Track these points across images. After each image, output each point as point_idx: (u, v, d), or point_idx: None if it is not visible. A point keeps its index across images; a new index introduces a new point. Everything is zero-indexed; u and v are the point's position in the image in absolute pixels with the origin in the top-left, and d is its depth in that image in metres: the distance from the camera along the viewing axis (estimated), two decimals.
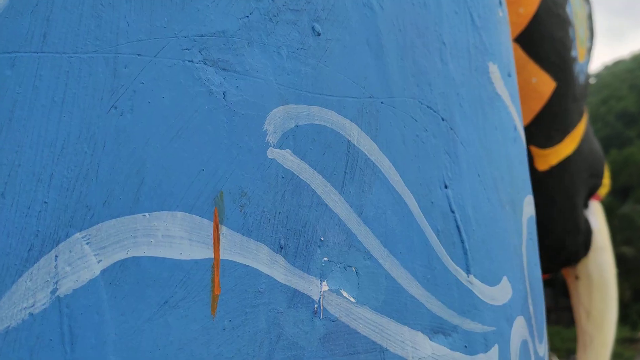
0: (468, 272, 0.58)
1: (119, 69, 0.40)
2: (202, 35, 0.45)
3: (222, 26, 0.46)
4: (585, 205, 2.13)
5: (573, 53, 1.75)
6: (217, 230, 0.40)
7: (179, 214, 0.39)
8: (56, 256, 0.35)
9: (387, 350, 0.48)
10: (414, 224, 0.54)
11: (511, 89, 0.78)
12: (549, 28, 1.62)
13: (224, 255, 0.40)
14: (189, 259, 0.39)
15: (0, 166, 0.34)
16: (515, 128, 0.76)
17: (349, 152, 0.51)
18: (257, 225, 0.43)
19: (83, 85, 0.38)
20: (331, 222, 0.47)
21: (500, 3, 0.81)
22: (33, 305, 0.34)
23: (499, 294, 0.61)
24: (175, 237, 0.38)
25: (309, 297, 0.44)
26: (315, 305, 0.44)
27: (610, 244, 2.24)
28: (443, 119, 0.62)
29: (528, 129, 1.65)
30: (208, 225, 0.40)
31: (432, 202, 0.57)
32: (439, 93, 0.63)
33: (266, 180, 0.44)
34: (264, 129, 0.46)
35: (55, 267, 0.35)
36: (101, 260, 0.36)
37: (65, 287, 0.35)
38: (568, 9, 1.72)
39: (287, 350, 0.42)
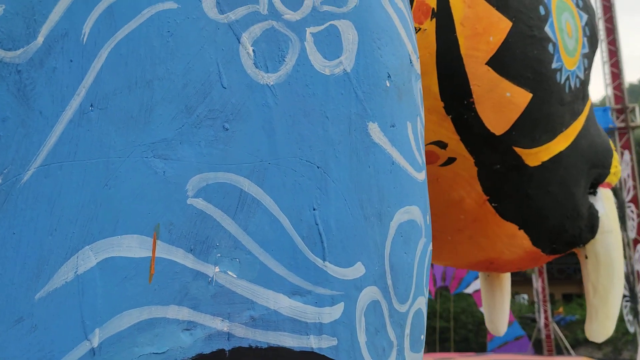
0: (324, 259, 0.99)
1: (110, 170, 0.85)
2: (153, 142, 0.89)
3: (165, 135, 0.90)
4: (594, 193, 2.40)
5: (555, 65, 2.03)
6: (154, 242, 0.85)
7: (136, 235, 0.84)
8: (88, 253, 0.81)
9: (255, 302, 0.91)
10: (284, 233, 0.96)
11: (395, 134, 1.16)
12: (522, 49, 1.92)
13: (157, 254, 0.84)
14: (140, 256, 0.83)
15: None
16: (393, 163, 1.14)
17: (240, 195, 0.93)
18: (178, 239, 0.87)
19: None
20: (224, 235, 0.90)
21: (389, 75, 1.19)
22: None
23: (351, 272, 1.01)
24: (133, 247, 0.83)
25: (206, 275, 0.88)
26: (209, 279, 0.88)
27: (617, 227, 2.49)
28: (318, 167, 1.02)
29: (510, 134, 1.98)
30: (150, 240, 0.84)
31: (301, 219, 0.98)
32: (318, 151, 1.03)
33: (186, 216, 0.88)
34: (186, 188, 0.89)
35: (77, 257, 0.81)
36: (97, 258, 0.81)
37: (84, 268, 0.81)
38: (548, 28, 2.00)
39: (190, 300, 0.86)
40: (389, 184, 1.12)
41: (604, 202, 2.50)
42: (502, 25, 1.88)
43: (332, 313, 0.98)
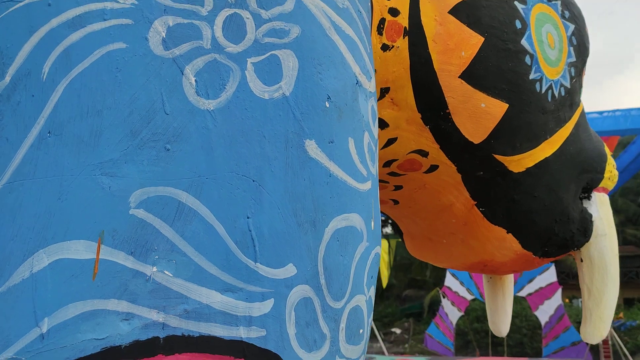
0: (255, 261, 1.13)
1: (63, 186, 1.02)
2: (101, 162, 1.05)
3: (112, 156, 1.06)
4: (588, 197, 2.46)
5: (533, 76, 2.12)
6: (99, 246, 1.01)
7: (83, 240, 1.00)
8: (41, 255, 0.98)
9: (189, 297, 1.06)
10: (218, 238, 1.11)
11: (333, 149, 1.30)
12: (495, 62, 2.02)
13: (101, 257, 1.01)
14: (86, 258, 1.00)
15: None
16: (330, 175, 1.28)
17: (178, 206, 1.09)
18: (120, 243, 1.03)
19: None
20: (162, 240, 1.06)
21: (329, 97, 1.32)
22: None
23: (282, 273, 1.15)
24: (80, 250, 1.00)
25: (144, 274, 1.04)
26: (147, 277, 1.04)
27: (613, 231, 2.54)
28: (254, 181, 1.17)
29: (488, 142, 2.08)
30: (95, 244, 1.01)
31: (235, 227, 1.13)
32: (253, 166, 1.18)
33: (128, 224, 1.04)
34: (129, 200, 1.06)
35: (33, 259, 0.98)
36: (49, 260, 0.98)
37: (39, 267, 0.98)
38: (525, 41, 2.10)
39: (129, 295, 1.02)
40: (324, 194, 1.26)
41: (599, 206, 2.55)
42: (473, 41, 1.98)
43: (262, 308, 1.12)
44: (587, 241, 2.52)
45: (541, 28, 2.21)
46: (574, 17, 2.40)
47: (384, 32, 1.91)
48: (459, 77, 1.98)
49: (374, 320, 19.29)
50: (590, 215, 2.51)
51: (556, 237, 2.41)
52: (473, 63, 1.99)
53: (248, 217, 1.15)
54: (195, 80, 1.16)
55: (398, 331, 24.21)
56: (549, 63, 2.22)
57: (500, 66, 2.04)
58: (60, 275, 0.98)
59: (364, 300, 1.34)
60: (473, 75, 2.00)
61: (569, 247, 2.49)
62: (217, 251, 1.10)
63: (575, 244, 2.50)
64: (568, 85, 2.34)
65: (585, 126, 2.50)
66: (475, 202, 2.32)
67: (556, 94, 2.27)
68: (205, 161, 1.13)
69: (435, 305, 21.65)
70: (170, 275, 1.05)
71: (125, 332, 1.00)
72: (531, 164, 2.27)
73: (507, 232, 2.35)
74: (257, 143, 1.19)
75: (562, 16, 2.35)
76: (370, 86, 1.52)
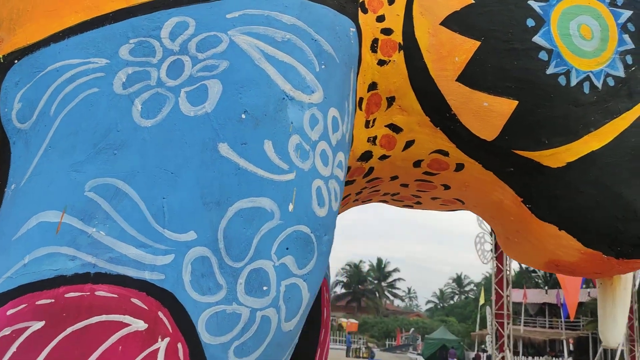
0: (164, 227, 1.64)
1: (52, 180, 1.69)
2: (72, 164, 1.69)
3: (80, 159, 1.68)
4: None
5: (554, 70, 2.17)
6: (62, 215, 1.65)
7: (55, 211, 1.65)
8: (33, 219, 1.66)
9: (113, 249, 1.60)
10: (140, 211, 1.64)
11: (245, 149, 1.72)
12: (495, 63, 2.15)
13: (63, 220, 1.64)
14: (54, 221, 1.65)
15: None
16: (238, 168, 1.71)
17: (116, 190, 1.66)
18: (75, 213, 1.64)
19: None
20: (101, 212, 1.64)
21: (246, 111, 1.75)
22: None
23: (184, 237, 1.63)
24: (52, 216, 1.65)
25: (87, 232, 1.63)
26: (88, 234, 1.63)
27: None
28: (172, 173, 1.68)
29: (503, 139, 2.20)
30: (60, 213, 1.65)
31: (153, 204, 1.65)
32: (174, 163, 1.69)
33: (82, 202, 1.66)
34: (85, 187, 1.67)
35: (29, 221, 1.65)
36: (37, 221, 1.65)
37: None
38: (539, 37, 2.17)
39: (76, 245, 1.62)
40: (232, 182, 1.71)
41: None
42: (467, 46, 2.13)
43: (164, 260, 1.62)
44: None
45: (569, 22, 2.21)
46: (632, 2, 2.29)
47: (378, 49, 2.21)
48: (455, 80, 2.16)
49: None
50: None
51: (622, 236, 2.29)
52: (468, 66, 2.14)
53: (164, 198, 1.67)
54: (141, 107, 1.74)
55: None
56: (580, 55, 2.20)
57: (502, 66, 2.14)
58: (40, 231, 1.64)
59: (271, 265, 1.72)
60: (470, 77, 2.15)
61: None
62: (137, 220, 1.65)
63: None
64: (621, 74, 2.25)
65: None
66: (522, 199, 2.37)
67: (598, 84, 2.21)
68: (139, 161, 1.69)
69: None
70: (104, 234, 1.63)
71: (70, 267, 1.61)
72: (572, 159, 2.24)
73: (560, 229, 2.33)
74: (179, 147, 1.71)
75: (612, 4, 2.27)
76: (312, 98, 1.89)
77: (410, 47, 2.19)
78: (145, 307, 1.59)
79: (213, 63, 1.79)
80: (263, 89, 1.81)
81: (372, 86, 2.25)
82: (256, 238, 1.71)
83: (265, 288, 1.71)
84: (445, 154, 2.32)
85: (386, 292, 63.29)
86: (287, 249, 1.76)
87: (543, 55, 2.16)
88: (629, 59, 2.27)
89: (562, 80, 2.17)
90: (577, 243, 2.34)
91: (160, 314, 1.59)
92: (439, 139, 2.28)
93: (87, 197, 1.66)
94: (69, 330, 1.54)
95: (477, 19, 2.16)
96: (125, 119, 1.73)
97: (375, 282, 62.73)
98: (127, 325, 1.56)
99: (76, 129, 1.73)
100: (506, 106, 2.16)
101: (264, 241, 1.72)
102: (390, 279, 63.24)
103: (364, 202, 2.80)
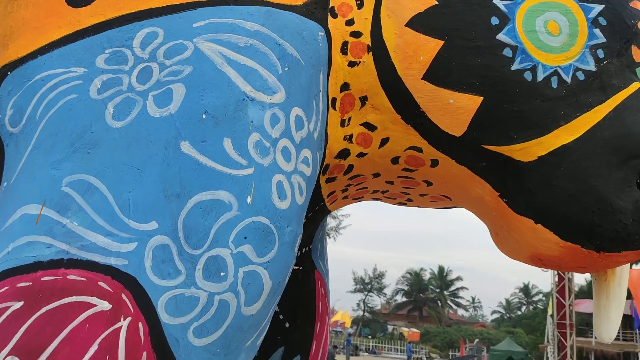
0: (129, 218, 1.80)
1: (34, 176, 1.90)
2: (52, 162, 1.89)
3: (58, 158, 1.88)
4: None
5: (519, 66, 2.23)
6: (42, 207, 1.85)
7: (35, 204, 1.85)
8: (18, 211, 1.86)
9: (84, 238, 1.78)
10: (108, 204, 1.82)
11: (205, 147, 1.87)
12: (459, 61, 2.23)
13: (42, 213, 1.84)
14: (35, 213, 1.84)
15: None
16: (198, 164, 1.86)
17: (88, 185, 1.85)
18: (52, 205, 1.84)
19: None
20: (75, 204, 1.83)
21: (207, 111, 1.90)
22: None
23: (147, 226, 1.79)
24: (33, 209, 1.85)
25: (62, 223, 1.80)
26: (63, 225, 1.81)
27: None
28: (138, 169, 1.85)
29: (471, 134, 2.28)
30: (40, 206, 1.85)
31: (121, 197, 1.83)
32: (139, 160, 1.85)
33: (59, 196, 1.85)
34: (62, 182, 1.86)
35: (15, 213, 1.86)
36: (20, 213, 1.86)
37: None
38: (503, 35, 2.24)
39: (53, 234, 1.81)
40: (192, 177, 1.86)
41: None
42: (430, 45, 2.21)
43: (128, 247, 1.79)
44: None
45: (535, 18, 2.25)
46: None
47: (348, 51, 2.33)
48: (421, 78, 2.24)
49: None
50: None
51: (600, 229, 2.31)
52: (433, 65, 2.23)
53: (130, 192, 1.84)
54: (113, 110, 1.93)
55: None
56: (547, 50, 2.24)
57: (466, 63, 2.21)
58: (22, 222, 1.85)
59: (229, 253, 1.86)
60: (435, 75, 2.23)
61: (629, 241, 2.33)
62: (106, 212, 1.82)
63: (637, 237, 2.32)
64: (591, 68, 2.27)
65: (627, 112, 2.32)
66: (499, 194, 2.42)
67: (567, 79, 2.25)
68: (109, 159, 1.88)
69: None
70: (76, 224, 1.82)
71: (46, 254, 1.80)
72: (543, 152, 2.28)
73: (536, 223, 2.36)
74: (145, 145, 1.89)
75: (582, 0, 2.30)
76: (273, 99, 2.03)
77: (379, 48, 2.30)
78: (110, 290, 1.75)
79: (178, 68, 1.96)
80: (223, 90, 1.96)
81: (345, 87, 2.36)
82: (214, 228, 1.85)
83: (222, 274, 1.85)
84: (420, 150, 2.40)
85: (449, 301, 62.35)
86: (245, 238, 1.90)
87: (507, 52, 2.22)
88: (601, 53, 2.29)
89: (527, 75, 2.22)
90: (554, 236, 2.36)
91: (123, 295, 1.76)
92: (411, 136, 2.37)
93: (64, 192, 1.85)
94: (44, 309, 1.72)
95: (441, 19, 2.24)
96: (98, 121, 1.91)
97: (437, 290, 61.89)
98: (94, 305, 1.73)
99: (56, 131, 1.93)
100: (471, 102, 2.22)
101: (222, 231, 1.87)
102: (452, 288, 62.27)
103: (355, 199, 2.90)
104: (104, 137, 1.90)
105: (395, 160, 2.50)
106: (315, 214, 2.74)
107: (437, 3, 2.27)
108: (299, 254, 2.89)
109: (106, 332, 1.72)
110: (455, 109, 2.25)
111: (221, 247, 1.86)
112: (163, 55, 1.98)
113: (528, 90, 2.23)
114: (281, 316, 2.84)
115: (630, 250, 2.36)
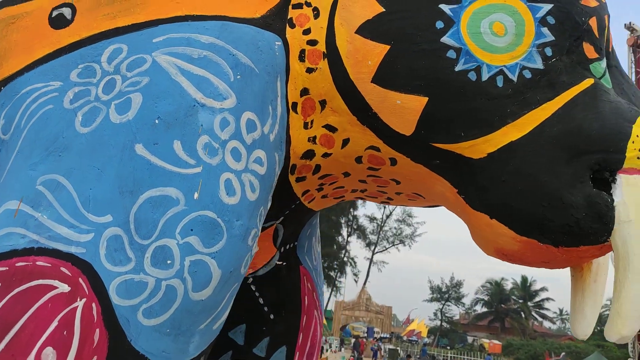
0: (88, 212, 2.05)
1: (18, 177, 2.19)
2: (30, 164, 2.17)
3: (35, 161, 2.16)
4: (611, 180, 2.40)
5: (463, 67, 2.34)
6: (20, 203, 2.13)
7: (15, 200, 2.14)
8: (1, 207, 2.16)
9: (52, 229, 2.03)
10: (73, 200, 2.08)
11: (157, 148, 2.10)
12: (405, 64, 2.36)
13: (19, 208, 2.13)
14: (13, 208, 2.13)
15: None
16: (150, 164, 2.09)
17: (57, 184, 2.11)
18: (28, 201, 2.12)
19: None
20: (46, 200, 2.10)
21: (159, 117, 2.13)
22: None
23: (103, 219, 2.04)
24: (12, 204, 2.14)
25: (34, 217, 2.08)
26: (35, 218, 2.09)
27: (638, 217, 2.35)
28: (99, 169, 2.11)
29: (419, 133, 2.40)
30: (17, 202, 2.14)
31: (83, 193, 2.08)
32: (101, 161, 2.11)
33: (34, 193, 2.13)
34: (37, 182, 2.14)
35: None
36: (2, 209, 2.16)
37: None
38: (448, 37, 2.35)
39: (26, 226, 2.09)
40: (144, 175, 2.10)
41: (624, 189, 2.30)
42: (377, 50, 2.34)
43: (86, 237, 2.05)
44: (606, 228, 2.33)
45: (480, 20, 2.34)
46: None
47: (305, 59, 2.50)
48: (371, 82, 2.39)
49: None
50: (607, 200, 2.31)
51: (552, 223, 2.35)
52: (380, 68, 2.36)
53: (90, 189, 2.10)
54: (81, 118, 2.20)
55: None
56: (491, 51, 2.32)
57: (411, 66, 2.33)
58: (4, 216, 2.14)
59: (175, 243, 2.07)
60: (382, 78, 2.36)
61: (582, 235, 2.35)
62: (70, 207, 2.09)
63: (590, 232, 2.34)
64: (539, 66, 2.33)
65: (592, 104, 2.35)
66: (457, 190, 2.51)
67: (513, 78, 2.32)
68: (76, 161, 2.15)
69: None
70: (46, 218, 2.09)
71: (21, 243, 2.08)
72: (492, 149, 2.36)
73: (491, 218, 2.43)
74: (106, 148, 2.14)
75: (530, 0, 2.37)
76: (224, 104, 2.23)
77: (333, 55, 2.46)
78: (70, 274, 2.01)
79: (137, 80, 2.21)
80: (175, 98, 2.19)
81: (304, 91, 2.54)
82: (162, 220, 2.08)
83: (169, 262, 2.07)
84: (378, 149, 2.54)
85: (533, 313, 60.15)
86: (191, 230, 2.11)
87: (451, 54, 2.32)
88: (549, 51, 2.34)
89: (472, 75, 2.31)
90: (509, 231, 2.42)
91: (80, 279, 2.01)
92: (368, 136, 2.51)
93: (37, 190, 2.13)
94: (15, 290, 2.00)
95: (387, 25, 2.37)
96: (69, 128, 2.19)
97: (520, 301, 59.89)
98: (56, 287, 2.00)
99: (35, 137, 2.22)
100: (417, 103, 2.34)
101: (169, 223, 2.09)
102: (537, 299, 60.05)
103: (337, 198, 3.05)
104: (73, 141, 2.17)
105: (358, 160, 2.64)
106: (294, 213, 2.92)
107: (384, 10, 2.40)
108: (282, 250, 3.08)
109: (65, 311, 1.98)
110: (402, 110, 2.37)
111: (168, 237, 2.08)
112: (125, 68, 2.24)
113: (472, 89, 2.31)
114: (266, 308, 3.04)
115: (587, 245, 2.38)
